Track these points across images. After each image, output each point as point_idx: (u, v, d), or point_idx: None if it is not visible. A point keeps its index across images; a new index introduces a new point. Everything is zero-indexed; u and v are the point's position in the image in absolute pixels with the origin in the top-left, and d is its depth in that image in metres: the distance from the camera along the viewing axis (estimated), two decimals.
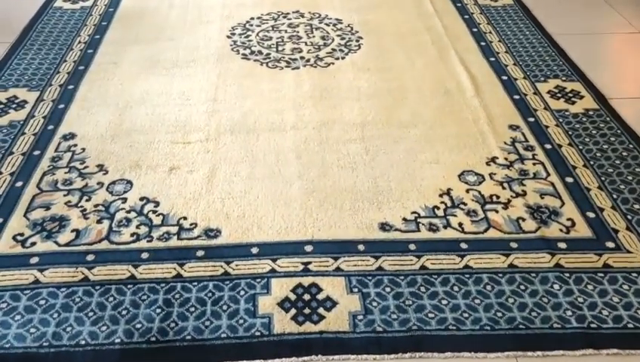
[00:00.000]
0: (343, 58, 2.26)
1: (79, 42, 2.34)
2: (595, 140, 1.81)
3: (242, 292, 1.32)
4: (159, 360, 1.19)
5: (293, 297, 1.32)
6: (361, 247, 1.44)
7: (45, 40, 2.34)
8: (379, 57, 2.27)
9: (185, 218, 1.52)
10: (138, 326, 1.24)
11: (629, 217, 1.53)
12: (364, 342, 1.22)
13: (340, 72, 2.18)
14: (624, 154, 1.75)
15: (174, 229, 1.49)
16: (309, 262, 1.40)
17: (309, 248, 1.44)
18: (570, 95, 2.03)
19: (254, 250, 1.43)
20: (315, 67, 2.20)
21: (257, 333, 1.24)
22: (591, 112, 1.94)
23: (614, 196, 1.60)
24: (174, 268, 1.38)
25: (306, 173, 1.68)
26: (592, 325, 1.26)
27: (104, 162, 1.72)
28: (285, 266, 1.39)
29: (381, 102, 2.00)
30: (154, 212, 1.54)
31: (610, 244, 1.46)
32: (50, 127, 1.86)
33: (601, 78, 2.12)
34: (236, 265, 1.39)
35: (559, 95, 2.03)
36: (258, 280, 1.36)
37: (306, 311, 1.28)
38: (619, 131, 1.85)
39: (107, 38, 2.39)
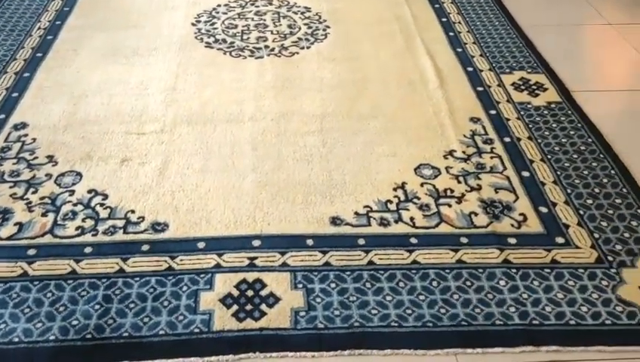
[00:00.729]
0: (308, 47, 2.23)
1: (39, 28, 2.28)
2: (554, 134, 1.80)
3: (185, 288, 1.30)
4: (94, 358, 1.17)
5: (236, 293, 1.30)
6: (309, 242, 1.43)
7: (4, 26, 2.28)
8: (345, 47, 2.23)
9: (133, 211, 1.50)
10: (74, 322, 1.22)
11: (581, 212, 1.52)
12: (305, 339, 1.21)
13: (304, 61, 2.15)
14: (582, 148, 1.74)
15: (121, 223, 1.46)
16: (256, 257, 1.38)
17: (256, 243, 1.42)
18: (534, 87, 2.01)
19: (201, 245, 1.41)
20: (280, 57, 2.17)
21: (196, 330, 1.22)
22: (553, 105, 1.92)
23: (568, 191, 1.59)
24: (117, 263, 1.36)
25: (260, 166, 1.66)
26: (534, 321, 1.25)
27: (54, 153, 1.68)
28: (231, 261, 1.37)
29: (344, 94, 1.97)
30: (101, 205, 1.51)
31: (559, 240, 1.45)
32: (2, 116, 1.82)
33: (566, 70, 2.09)
34: (181, 260, 1.37)
35: (523, 87, 2.01)
36: (202, 275, 1.34)
37: (248, 307, 1.27)
38: (579, 125, 1.83)
39: (68, 23, 2.33)
